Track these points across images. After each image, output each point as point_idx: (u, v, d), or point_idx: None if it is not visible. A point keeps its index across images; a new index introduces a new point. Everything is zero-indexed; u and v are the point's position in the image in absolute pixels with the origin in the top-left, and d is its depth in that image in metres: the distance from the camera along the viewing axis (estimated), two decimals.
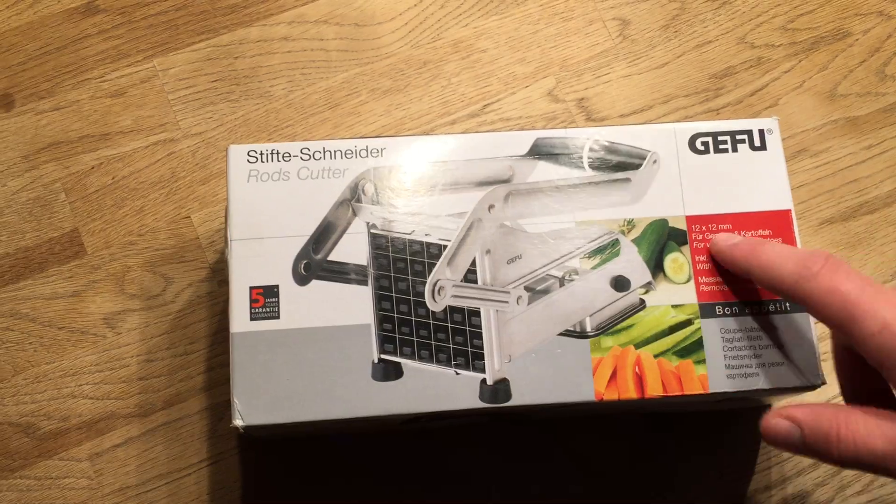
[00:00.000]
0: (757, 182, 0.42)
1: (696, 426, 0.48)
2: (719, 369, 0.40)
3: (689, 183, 0.42)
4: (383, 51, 0.53)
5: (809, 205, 0.52)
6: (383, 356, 0.39)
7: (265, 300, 0.39)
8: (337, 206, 0.40)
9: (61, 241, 0.50)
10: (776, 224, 0.41)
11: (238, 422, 0.38)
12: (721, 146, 0.42)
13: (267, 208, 0.40)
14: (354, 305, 0.39)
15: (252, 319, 0.39)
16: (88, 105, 0.52)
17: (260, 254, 0.40)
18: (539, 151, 0.42)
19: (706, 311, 0.40)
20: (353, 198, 0.41)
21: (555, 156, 0.42)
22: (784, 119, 0.53)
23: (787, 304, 0.41)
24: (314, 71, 0.53)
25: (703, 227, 0.41)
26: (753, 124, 0.43)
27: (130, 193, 0.50)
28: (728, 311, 0.40)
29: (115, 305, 0.49)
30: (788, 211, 0.42)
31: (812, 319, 0.40)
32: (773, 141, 0.43)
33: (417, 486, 0.47)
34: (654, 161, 0.42)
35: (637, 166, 0.42)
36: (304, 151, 0.41)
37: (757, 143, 0.42)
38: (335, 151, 0.41)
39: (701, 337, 0.40)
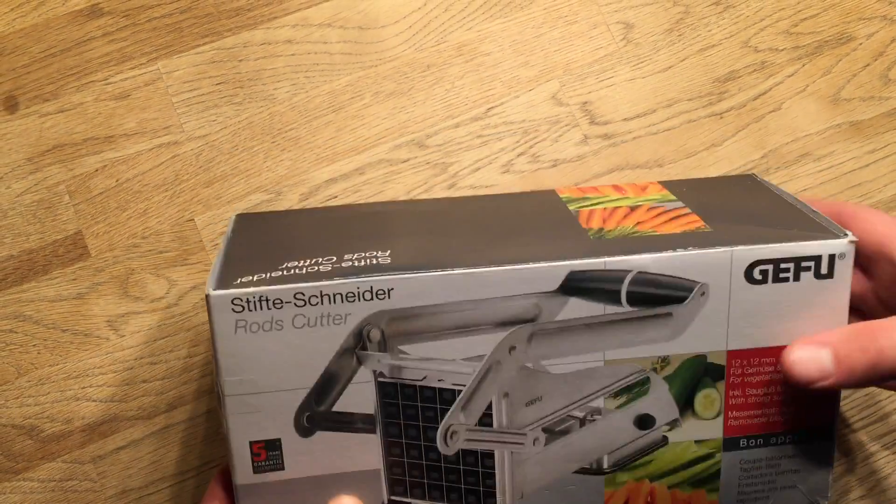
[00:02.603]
0: (813, 315, 0.37)
1: None
2: (731, 496, 0.39)
3: (738, 316, 0.37)
4: (387, 54, 0.53)
5: None
6: (393, 498, 0.38)
7: (267, 453, 0.37)
8: (340, 355, 0.36)
9: (65, 243, 0.50)
10: None
11: None
12: (782, 275, 0.37)
13: (261, 362, 0.36)
14: (362, 451, 0.37)
15: (255, 472, 0.37)
16: (93, 107, 0.52)
17: (257, 409, 0.36)
18: (572, 287, 0.37)
19: (729, 444, 0.38)
20: (357, 345, 0.36)
21: (589, 291, 0.37)
22: (787, 123, 0.53)
23: (814, 432, 0.38)
24: (318, 74, 0.53)
25: (744, 362, 0.38)
26: (825, 248, 0.37)
27: (134, 196, 0.50)
28: (752, 443, 0.39)
29: (118, 308, 0.49)
30: None
31: (835, 446, 0.39)
32: (843, 267, 0.37)
33: None
34: (703, 293, 0.37)
35: (682, 299, 0.37)
36: (297, 297, 0.35)
37: (824, 270, 0.37)
38: (334, 295, 0.35)
39: (719, 469, 0.39)
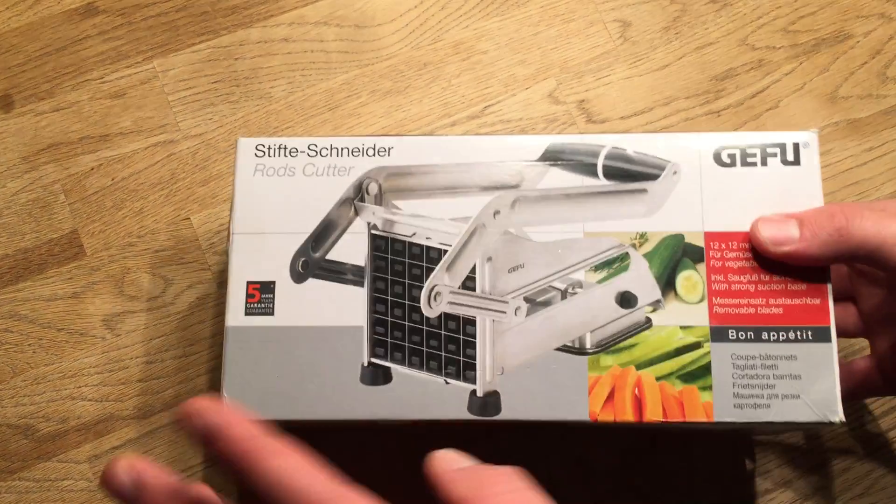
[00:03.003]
0: (788, 199, 0.39)
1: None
2: (726, 398, 0.37)
3: (711, 197, 0.39)
4: (383, 52, 0.53)
5: None
6: (373, 360, 0.39)
7: (261, 296, 0.39)
8: (340, 204, 0.40)
9: (61, 242, 0.50)
10: None
11: None
12: (749, 159, 0.40)
13: (271, 204, 0.40)
14: (349, 306, 0.39)
15: (247, 314, 0.39)
16: (88, 106, 0.52)
17: (260, 249, 0.40)
18: (552, 157, 0.40)
19: (718, 334, 0.38)
20: (356, 196, 0.40)
21: (568, 162, 0.40)
22: (784, 121, 0.53)
23: (810, 333, 0.38)
24: (314, 72, 0.53)
25: (722, 245, 0.39)
26: (787, 137, 0.40)
27: (130, 195, 0.50)
28: (742, 335, 0.38)
29: (114, 307, 0.49)
30: None
31: (836, 351, 0.38)
32: (809, 155, 0.40)
33: (415, 483, 0.47)
34: (675, 172, 0.40)
35: (655, 177, 0.40)
36: (311, 147, 0.41)
37: (790, 157, 0.40)
38: (342, 149, 0.41)
39: (709, 362, 0.38)
